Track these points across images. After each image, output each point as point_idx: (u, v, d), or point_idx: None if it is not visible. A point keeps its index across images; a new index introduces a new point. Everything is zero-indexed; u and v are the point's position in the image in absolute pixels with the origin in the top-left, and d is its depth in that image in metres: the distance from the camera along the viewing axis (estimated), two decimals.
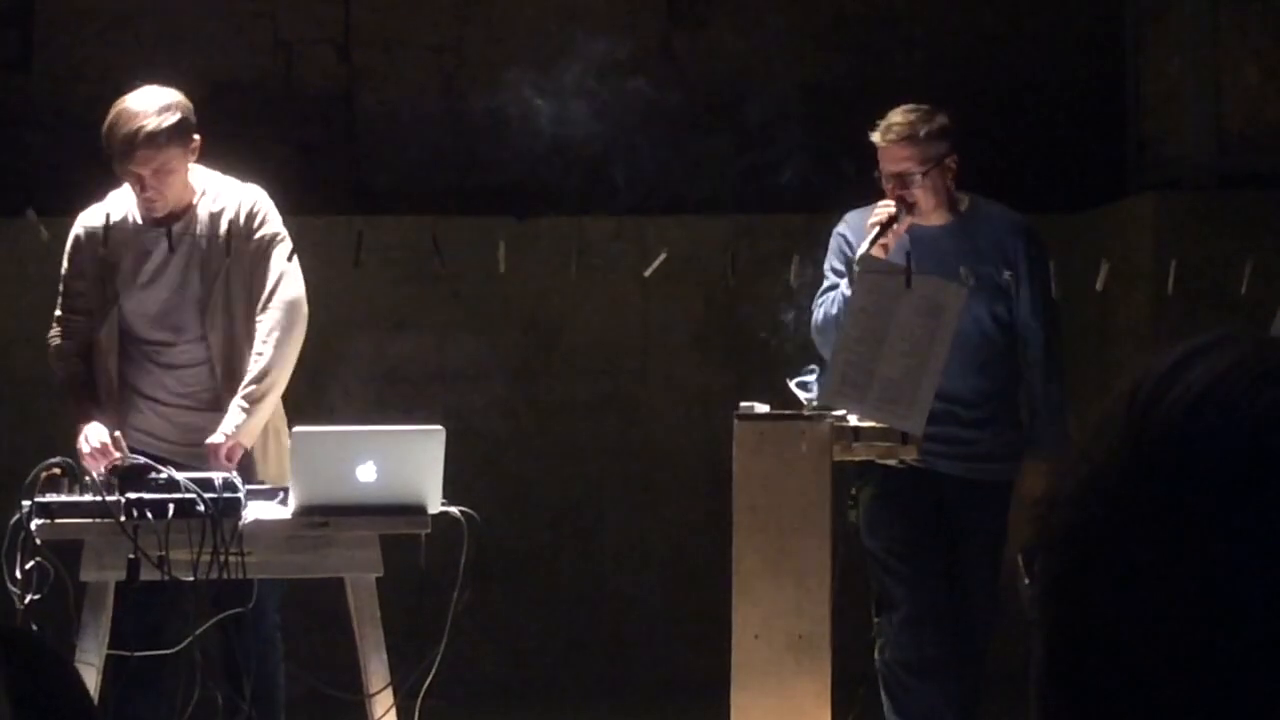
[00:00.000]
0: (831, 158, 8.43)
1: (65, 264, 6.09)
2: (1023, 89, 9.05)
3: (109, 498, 5.41)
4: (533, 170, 8.93)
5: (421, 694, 5.64)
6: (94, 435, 5.76)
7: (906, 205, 6.12)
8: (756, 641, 5.80)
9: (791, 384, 5.95)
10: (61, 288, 6.11)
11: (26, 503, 5.44)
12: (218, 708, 5.85)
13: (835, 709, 5.85)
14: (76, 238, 6.05)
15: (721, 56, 9.07)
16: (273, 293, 5.93)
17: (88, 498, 5.46)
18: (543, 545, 8.56)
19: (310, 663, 6.25)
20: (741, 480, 5.85)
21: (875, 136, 6.16)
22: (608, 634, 8.52)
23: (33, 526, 5.40)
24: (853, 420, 5.93)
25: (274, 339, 5.90)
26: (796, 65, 9.08)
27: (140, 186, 5.83)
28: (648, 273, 7.82)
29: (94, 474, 5.56)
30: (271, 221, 5.98)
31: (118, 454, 5.66)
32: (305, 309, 5.97)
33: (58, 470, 5.59)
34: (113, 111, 5.83)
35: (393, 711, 5.68)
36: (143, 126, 5.75)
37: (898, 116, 6.16)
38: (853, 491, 6.19)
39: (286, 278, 5.95)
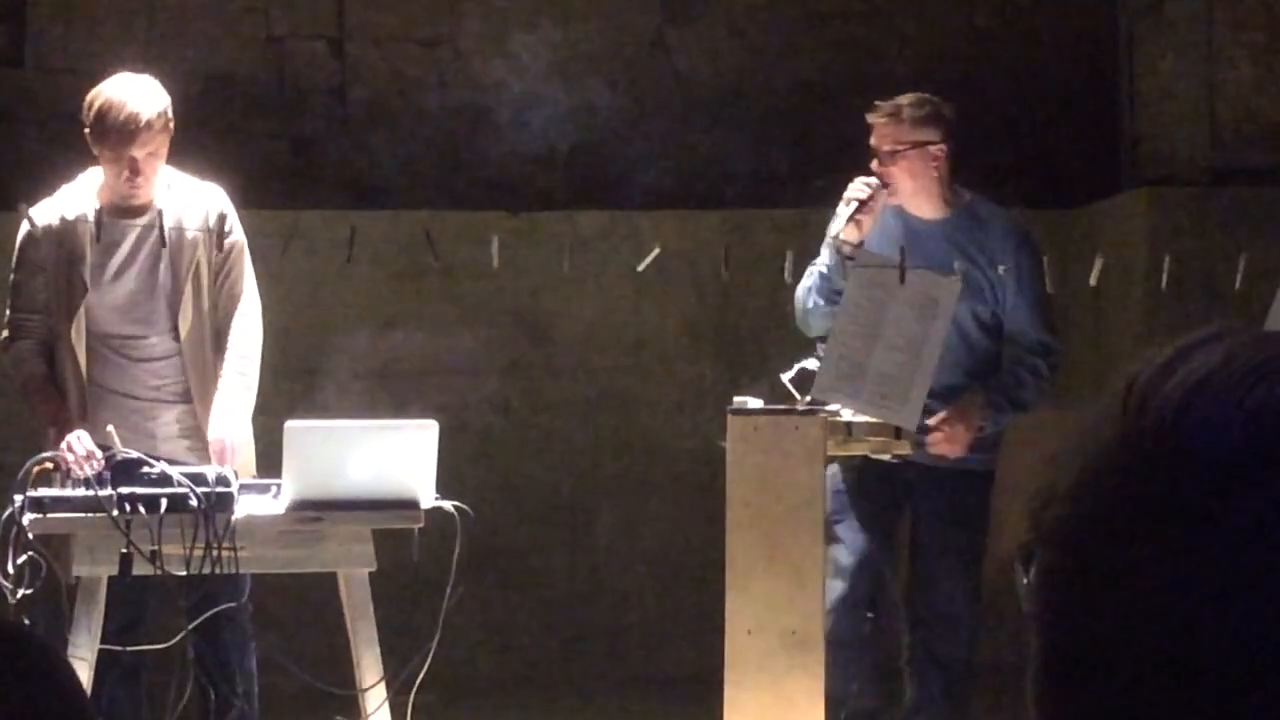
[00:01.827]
0: (825, 154, 8.44)
1: (18, 261, 5.99)
2: (1016, 85, 9.04)
3: (101, 492, 5.40)
4: (526, 165, 8.93)
5: (414, 689, 5.63)
6: (81, 441, 5.70)
7: (884, 183, 6.14)
8: (750, 637, 5.80)
9: (785, 378, 5.94)
10: (14, 286, 6.00)
11: (19, 497, 5.43)
12: (208, 702, 5.84)
13: (828, 704, 5.85)
14: (31, 234, 5.96)
15: (715, 52, 9.07)
16: (248, 307, 6.02)
17: (80, 492, 5.45)
18: (536, 540, 8.55)
19: (303, 657, 6.24)
20: (734, 476, 5.84)
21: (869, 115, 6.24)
22: (601, 629, 8.52)
23: (25, 521, 5.39)
24: (846, 415, 5.93)
25: (255, 358, 5.99)
26: (790, 61, 9.07)
27: (131, 170, 5.81)
28: (641, 267, 7.84)
29: (81, 475, 5.53)
30: (239, 228, 6.06)
31: (102, 457, 5.61)
32: None
33: (49, 465, 5.58)
34: (102, 96, 5.80)
35: (385, 706, 5.67)
36: (142, 110, 5.77)
37: (896, 99, 6.23)
38: None
39: (255, 292, 6.06)
